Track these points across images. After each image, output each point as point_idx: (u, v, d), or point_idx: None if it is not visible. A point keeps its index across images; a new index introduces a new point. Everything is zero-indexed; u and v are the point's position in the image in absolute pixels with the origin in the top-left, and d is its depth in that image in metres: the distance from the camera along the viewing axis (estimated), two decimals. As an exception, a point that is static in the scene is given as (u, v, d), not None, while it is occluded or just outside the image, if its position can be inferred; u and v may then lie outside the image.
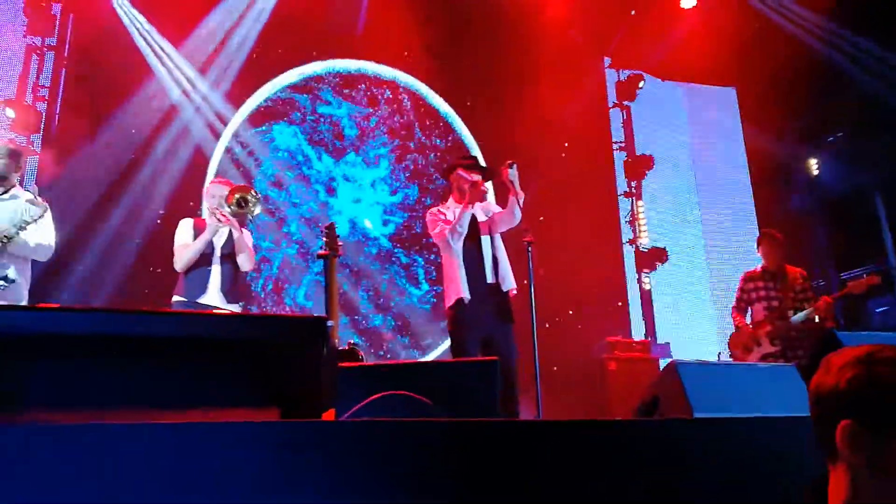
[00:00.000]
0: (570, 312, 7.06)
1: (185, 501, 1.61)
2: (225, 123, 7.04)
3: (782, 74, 7.85)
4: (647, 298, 7.70)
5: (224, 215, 4.18)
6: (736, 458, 1.92)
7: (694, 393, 2.07)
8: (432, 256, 7.43)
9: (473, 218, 4.17)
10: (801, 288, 5.00)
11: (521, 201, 3.96)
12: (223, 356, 1.89)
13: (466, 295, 3.99)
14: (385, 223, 7.43)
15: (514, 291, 4.10)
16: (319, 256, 2.97)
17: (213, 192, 4.34)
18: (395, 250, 7.38)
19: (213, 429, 1.68)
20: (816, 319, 4.84)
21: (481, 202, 4.15)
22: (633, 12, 7.90)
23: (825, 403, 1.17)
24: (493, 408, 1.99)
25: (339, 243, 3.05)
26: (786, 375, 2.22)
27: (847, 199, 7.95)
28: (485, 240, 4.12)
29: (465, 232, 4.05)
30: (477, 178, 4.14)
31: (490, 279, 4.05)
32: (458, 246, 4.07)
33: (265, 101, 7.28)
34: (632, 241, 7.92)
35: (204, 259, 4.22)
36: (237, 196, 4.10)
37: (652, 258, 7.70)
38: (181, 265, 4.21)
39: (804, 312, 4.87)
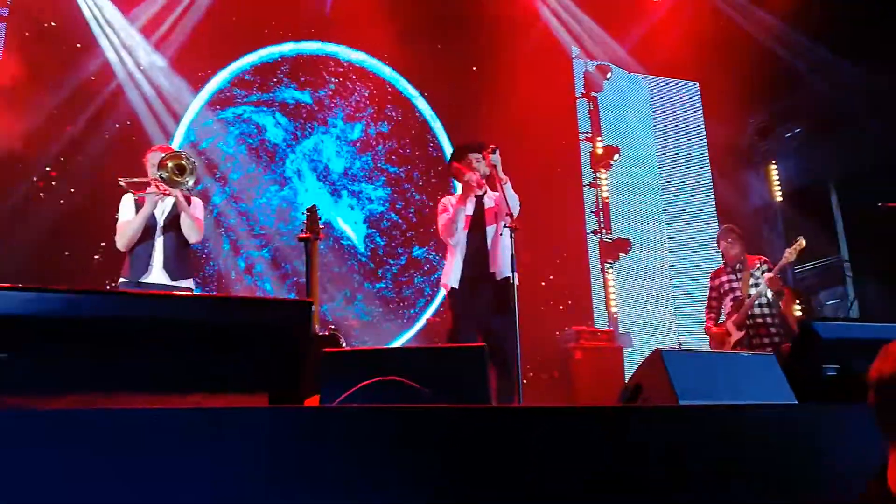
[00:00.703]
0: (544, 307, 7.08)
1: (175, 487, 1.57)
2: (181, 104, 6.83)
3: (743, 72, 7.99)
4: (609, 289, 7.79)
5: (158, 184, 3.93)
6: (721, 443, 1.95)
7: (679, 380, 2.09)
8: (398, 249, 7.40)
9: (481, 205, 4.22)
10: (760, 272, 5.19)
11: (509, 185, 3.99)
12: (210, 340, 1.83)
13: (455, 284, 4.02)
14: (352, 207, 7.36)
15: (515, 282, 4.04)
16: (300, 239, 2.92)
17: (152, 161, 4.05)
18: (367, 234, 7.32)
19: (205, 414, 1.63)
20: (769, 294, 5.04)
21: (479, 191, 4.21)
22: None
23: (888, 389, 1.24)
24: (481, 394, 1.98)
25: (321, 226, 3.00)
26: (766, 364, 2.27)
27: (803, 194, 8.16)
28: (490, 229, 4.15)
29: (460, 227, 4.11)
30: (471, 175, 4.19)
31: (491, 268, 4.06)
32: (461, 235, 4.13)
33: (226, 83, 7.09)
34: (596, 232, 8.00)
35: (146, 235, 3.98)
36: (171, 163, 3.84)
37: (615, 248, 7.80)
38: (122, 244, 3.98)
39: (755, 290, 5.06)
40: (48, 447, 1.54)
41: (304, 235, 2.93)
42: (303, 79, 7.40)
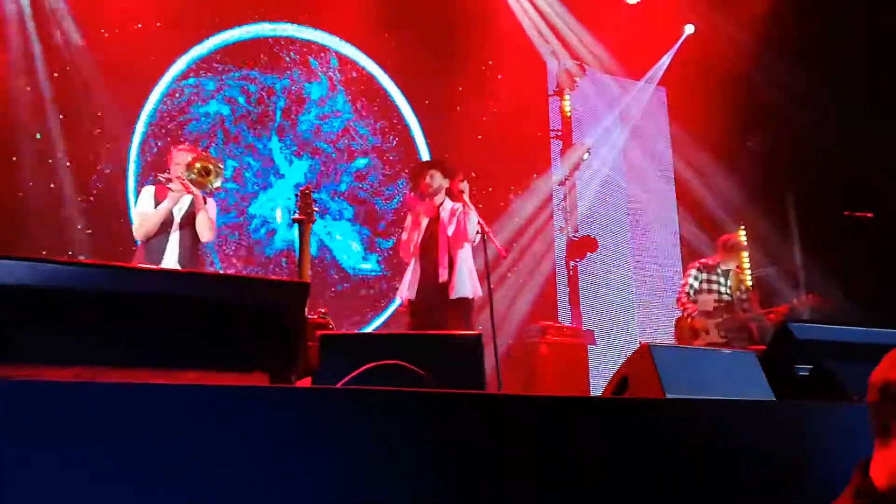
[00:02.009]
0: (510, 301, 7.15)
1: (174, 464, 1.55)
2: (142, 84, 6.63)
3: (708, 80, 8.18)
4: (574, 286, 7.91)
5: (185, 184, 4.14)
6: (707, 436, 2.02)
7: (666, 374, 2.16)
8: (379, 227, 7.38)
9: (436, 223, 4.48)
10: (745, 288, 5.44)
11: (472, 215, 4.29)
12: (210, 318, 1.82)
13: (412, 295, 4.32)
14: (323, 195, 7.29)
15: (472, 296, 4.37)
16: (295, 221, 2.92)
17: (177, 160, 4.27)
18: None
19: (207, 392, 1.62)
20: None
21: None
22: None
23: (891, 392, 1.31)
24: (477, 381, 2.01)
25: (315, 209, 3.00)
26: (746, 361, 2.35)
27: (762, 201, 8.39)
28: (442, 242, 4.40)
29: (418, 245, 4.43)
30: (423, 208, 4.55)
31: (447, 286, 4.31)
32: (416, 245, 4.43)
33: (191, 64, 6.89)
34: (562, 230, 8.10)
35: (162, 228, 4.21)
36: (199, 165, 4.08)
37: (582, 246, 7.91)
38: (141, 234, 4.20)
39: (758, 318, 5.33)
40: (48, 418, 1.52)
41: (298, 217, 2.93)
42: (271, 61, 7.25)
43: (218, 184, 4.16)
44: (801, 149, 7.86)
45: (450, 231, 4.42)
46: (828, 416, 2.20)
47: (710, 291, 5.48)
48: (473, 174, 4.55)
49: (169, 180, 4.23)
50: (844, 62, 7.00)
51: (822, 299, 5.36)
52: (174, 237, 4.21)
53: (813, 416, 2.16)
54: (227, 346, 1.86)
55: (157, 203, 4.23)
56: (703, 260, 5.75)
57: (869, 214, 4.79)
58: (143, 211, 4.24)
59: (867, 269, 6.43)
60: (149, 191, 4.33)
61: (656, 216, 8.72)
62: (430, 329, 4.21)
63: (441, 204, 4.60)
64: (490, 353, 3.72)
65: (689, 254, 8.15)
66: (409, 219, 4.63)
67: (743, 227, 8.44)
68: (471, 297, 4.37)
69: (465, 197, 4.34)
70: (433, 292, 4.33)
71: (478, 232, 4.14)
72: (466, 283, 4.33)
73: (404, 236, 4.52)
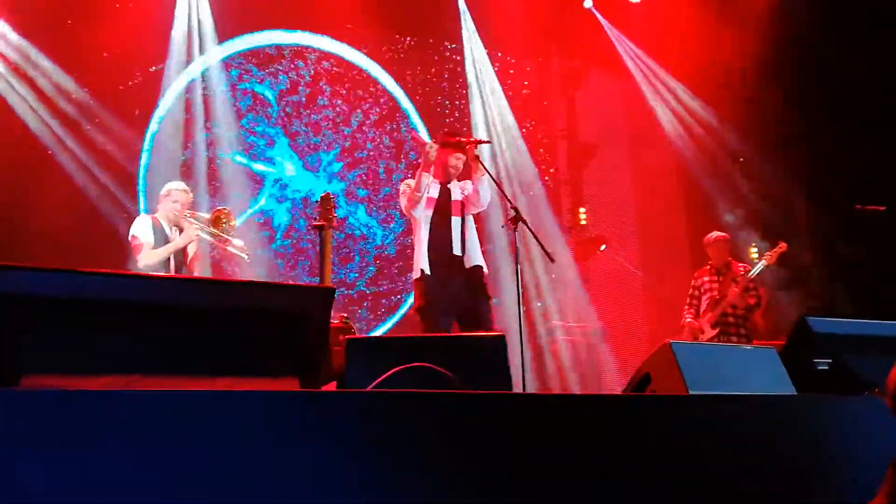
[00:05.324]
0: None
1: (207, 469, 1.58)
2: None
3: (715, 80, 8.16)
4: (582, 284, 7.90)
5: (222, 237, 4.35)
6: (730, 431, 2.04)
7: (688, 371, 2.17)
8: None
9: (447, 195, 4.23)
10: (740, 279, 5.41)
11: (485, 180, 4.10)
12: (239, 325, 1.84)
13: (426, 267, 4.04)
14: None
15: (485, 270, 4.17)
16: (314, 227, 2.94)
17: (176, 198, 4.39)
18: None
19: (238, 398, 1.64)
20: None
21: (443, 168, 4.26)
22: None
23: None
24: (504, 381, 2.03)
25: (334, 214, 3.02)
26: (767, 357, 2.37)
27: (770, 205, 8.35)
28: (455, 219, 4.18)
29: (423, 198, 4.11)
30: (428, 141, 4.27)
31: (457, 251, 4.09)
32: (425, 217, 4.14)
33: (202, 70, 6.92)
34: (570, 229, 8.10)
35: (162, 265, 4.30)
36: (224, 223, 4.32)
37: (590, 245, 7.91)
38: (143, 265, 4.26)
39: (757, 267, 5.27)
40: (82, 427, 1.54)
41: (318, 223, 2.95)
42: (262, 70, 7.26)
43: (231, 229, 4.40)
44: (812, 141, 7.81)
45: (459, 196, 4.24)
46: (847, 409, 2.22)
47: (706, 292, 5.53)
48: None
49: (193, 217, 4.37)
50: (851, 57, 6.96)
51: (786, 246, 5.29)
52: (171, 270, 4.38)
53: (833, 410, 2.19)
54: (257, 352, 1.88)
55: (155, 233, 4.31)
56: (701, 267, 5.79)
57: (881, 208, 4.76)
58: (148, 241, 4.28)
59: (879, 263, 6.38)
60: (147, 221, 4.40)
61: (663, 213, 8.70)
62: (445, 302, 4.05)
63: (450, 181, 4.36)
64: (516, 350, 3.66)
65: (697, 251, 8.12)
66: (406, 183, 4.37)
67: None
68: (484, 267, 4.19)
69: (481, 162, 4.15)
70: (447, 265, 4.11)
71: (512, 218, 3.91)
72: (478, 251, 4.18)
73: (408, 184, 4.26)
